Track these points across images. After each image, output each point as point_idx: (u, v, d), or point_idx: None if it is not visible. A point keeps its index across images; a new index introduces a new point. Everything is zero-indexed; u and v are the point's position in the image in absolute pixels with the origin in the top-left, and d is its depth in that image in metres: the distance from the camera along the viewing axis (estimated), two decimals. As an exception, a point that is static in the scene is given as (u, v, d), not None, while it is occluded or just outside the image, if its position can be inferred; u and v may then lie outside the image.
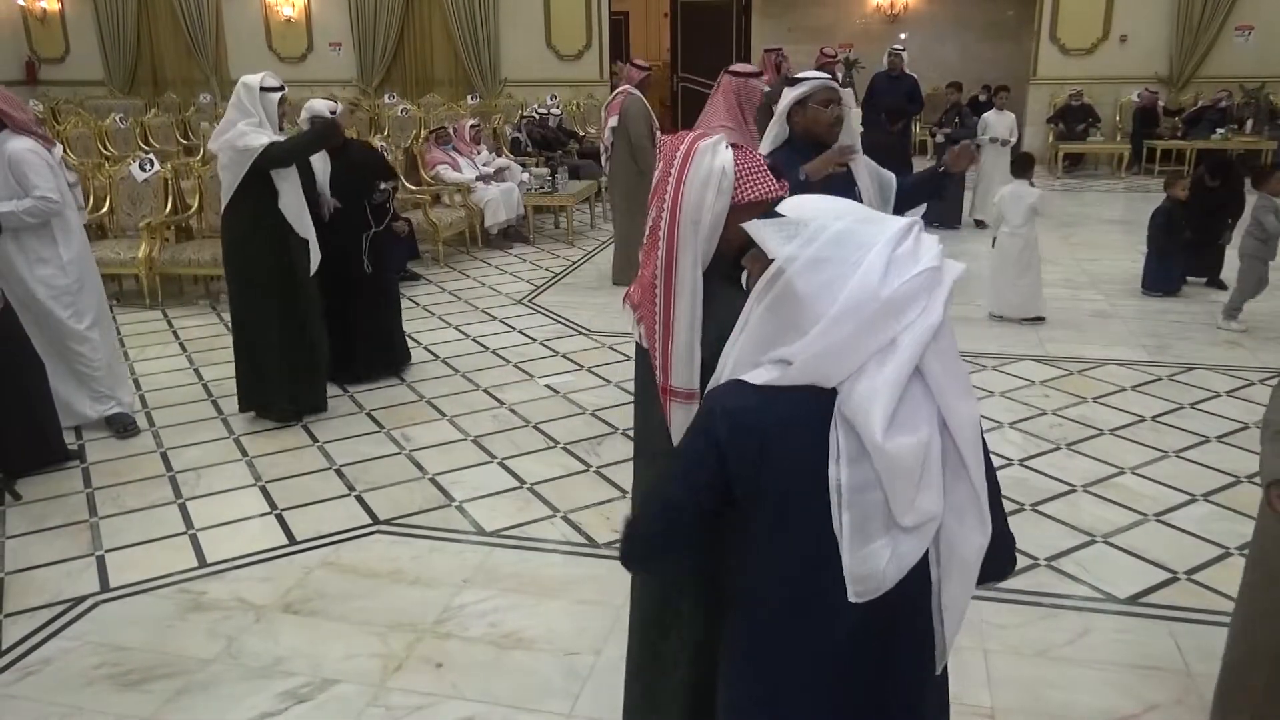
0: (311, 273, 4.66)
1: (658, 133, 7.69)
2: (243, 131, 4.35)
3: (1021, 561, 3.49)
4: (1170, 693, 2.81)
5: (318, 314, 4.85)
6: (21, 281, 4.40)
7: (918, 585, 1.36)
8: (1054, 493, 4.01)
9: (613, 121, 7.38)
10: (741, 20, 15.66)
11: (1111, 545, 3.61)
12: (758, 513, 1.38)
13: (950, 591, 1.36)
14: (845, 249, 1.28)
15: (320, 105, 5.12)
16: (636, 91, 7.45)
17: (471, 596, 3.33)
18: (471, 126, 9.25)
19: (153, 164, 7.35)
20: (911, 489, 1.27)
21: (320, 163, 5.00)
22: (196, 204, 7.38)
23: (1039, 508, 3.88)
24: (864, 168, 3.46)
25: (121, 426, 4.69)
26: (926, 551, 1.33)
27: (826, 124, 3.35)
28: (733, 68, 4.66)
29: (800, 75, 3.50)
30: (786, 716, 1.44)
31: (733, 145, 2.06)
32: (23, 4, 15.92)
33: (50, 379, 4.39)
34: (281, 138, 4.52)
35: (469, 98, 13.96)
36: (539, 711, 2.77)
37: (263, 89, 4.46)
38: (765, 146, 3.51)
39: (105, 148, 10.42)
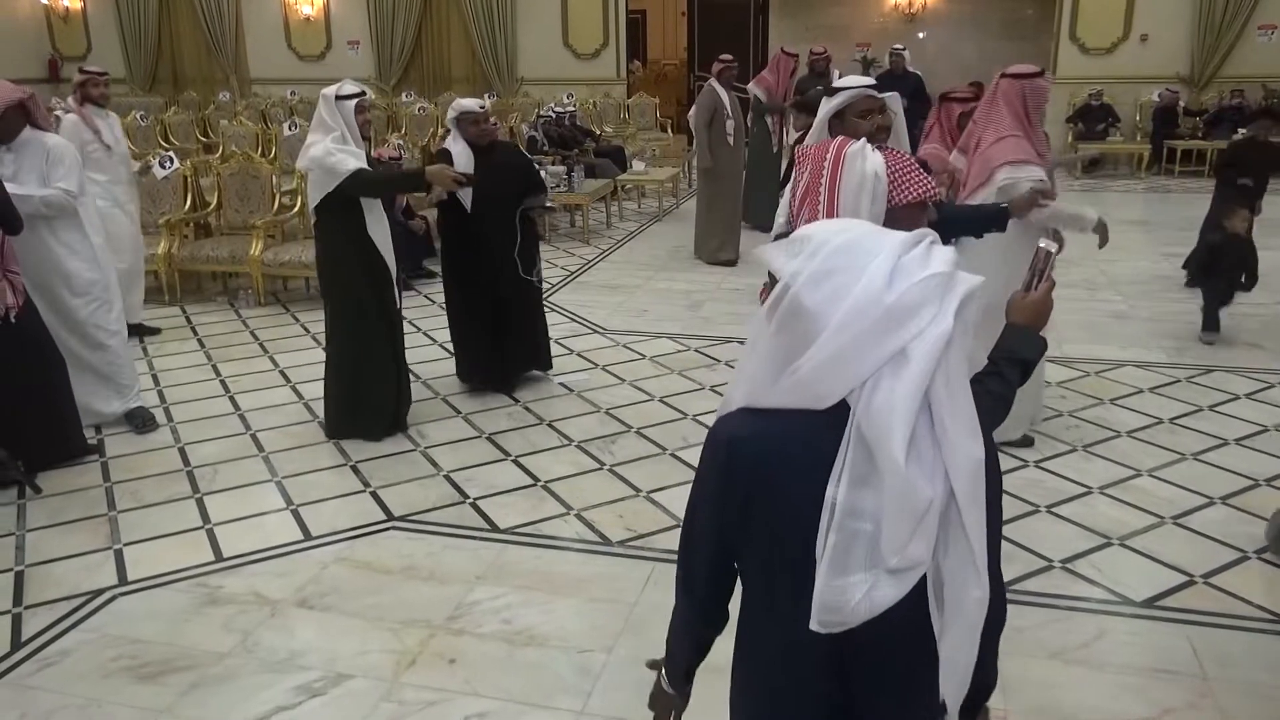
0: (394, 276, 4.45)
1: (729, 121, 7.80)
2: (330, 150, 4.20)
3: (1036, 563, 3.48)
4: (1185, 697, 2.79)
5: (401, 338, 4.72)
6: (57, 274, 4.47)
7: (902, 633, 1.32)
8: (1070, 494, 3.99)
9: (690, 114, 7.97)
10: (759, 19, 15.64)
11: (1127, 548, 3.58)
12: (754, 536, 1.37)
13: (951, 642, 1.30)
14: (850, 258, 1.24)
15: (468, 104, 4.92)
16: (715, 82, 7.86)
17: (484, 593, 3.35)
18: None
19: (172, 161, 7.40)
20: (910, 529, 1.22)
21: (464, 165, 4.76)
22: (215, 201, 7.44)
23: (1054, 509, 3.86)
24: None
25: (141, 421, 4.74)
26: (914, 603, 1.28)
27: (866, 136, 3.18)
28: (1011, 70, 4.17)
29: (837, 85, 3.31)
30: None
31: (879, 147, 2.06)
32: (46, 2, 16.06)
33: (71, 377, 4.43)
34: (361, 155, 4.28)
35: (485, 96, 14.00)
36: (551, 708, 2.78)
37: (338, 97, 4.27)
38: None
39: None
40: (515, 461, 4.38)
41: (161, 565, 3.54)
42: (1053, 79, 4.40)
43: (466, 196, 4.80)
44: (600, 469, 4.30)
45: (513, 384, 5.21)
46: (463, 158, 4.80)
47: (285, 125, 10.60)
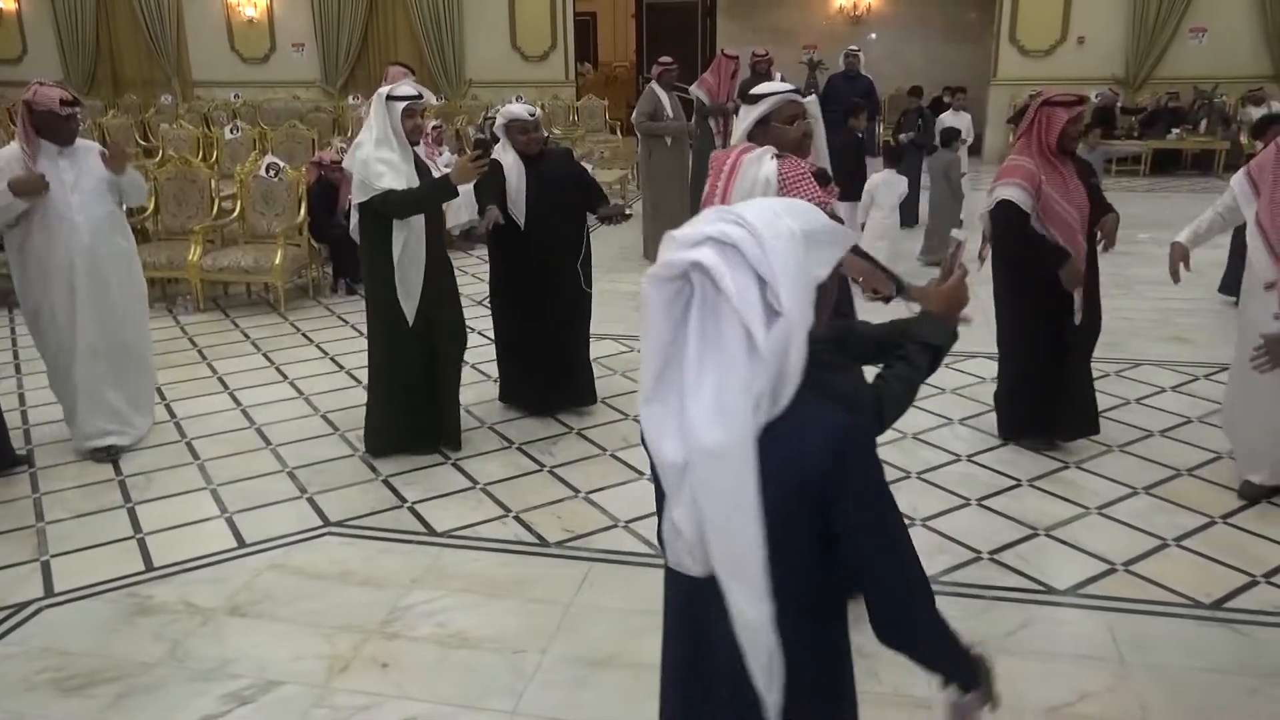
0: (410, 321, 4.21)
1: (668, 115, 7.92)
2: (373, 159, 3.99)
3: (964, 555, 3.56)
4: (1104, 681, 2.87)
5: (444, 353, 4.38)
6: (132, 264, 4.59)
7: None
8: (1000, 487, 4.08)
9: (633, 116, 8.24)
10: (706, 21, 15.76)
11: (1053, 538, 3.67)
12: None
13: (747, 653, 1.35)
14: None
15: (518, 110, 4.60)
16: (655, 84, 8.11)
17: (420, 597, 3.34)
18: (434, 128, 9.23)
19: (108, 166, 7.25)
20: (672, 485, 1.31)
21: (515, 177, 4.49)
22: (152, 206, 7.31)
23: (984, 502, 3.95)
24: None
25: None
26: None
27: (793, 141, 2.93)
28: None
29: (758, 91, 3.09)
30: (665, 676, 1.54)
31: (778, 155, 2.11)
32: (-22, 4, 15.70)
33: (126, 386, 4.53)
34: (401, 166, 4.05)
35: (437, 99, 13.90)
36: (483, 710, 2.79)
37: (388, 98, 4.03)
38: None
39: (62, 149, 10.26)
40: (455, 465, 4.37)
41: (90, 576, 3.49)
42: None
43: (520, 211, 4.51)
44: (540, 470, 4.31)
45: (557, 406, 4.89)
46: (514, 170, 4.51)
47: (227, 129, 10.46)
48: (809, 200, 1.98)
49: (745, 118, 3.06)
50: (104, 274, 4.33)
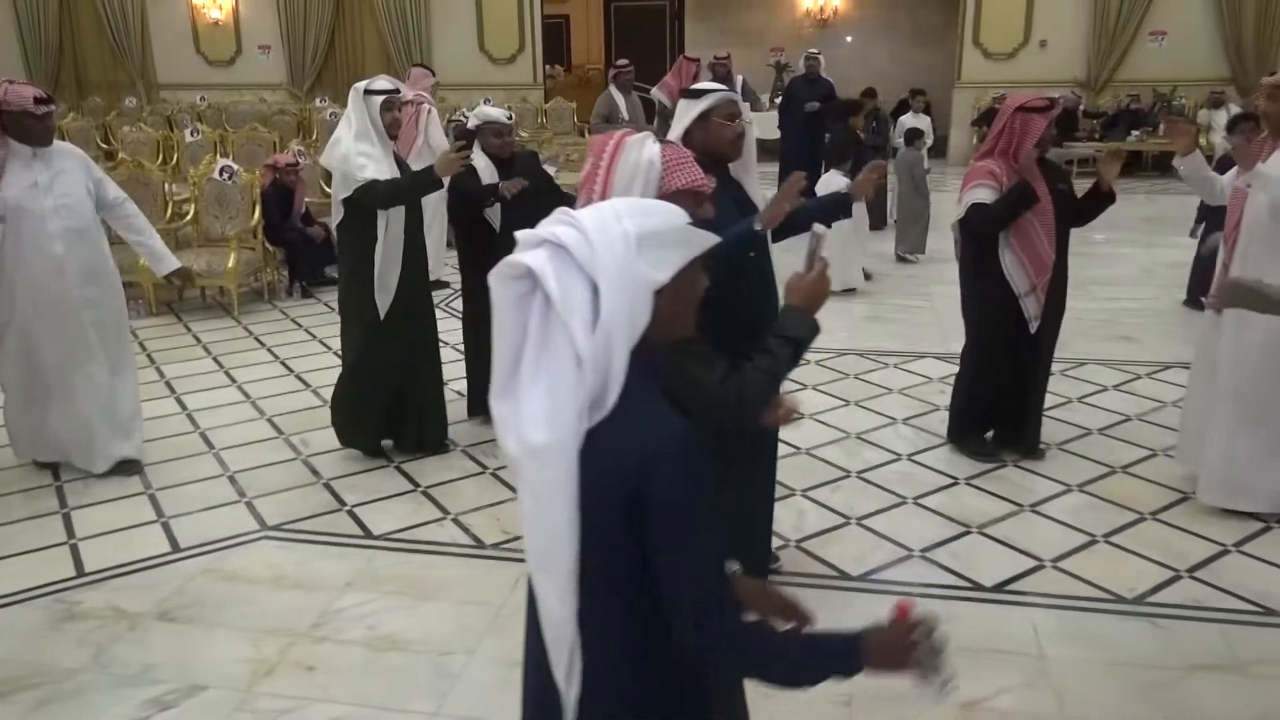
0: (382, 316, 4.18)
1: (623, 118, 8.03)
2: (352, 152, 3.98)
3: (896, 553, 3.59)
4: (1021, 676, 2.91)
5: (421, 357, 4.41)
6: (112, 279, 4.34)
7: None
8: (937, 486, 4.12)
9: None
10: (674, 24, 15.79)
11: (985, 535, 3.71)
12: None
13: (550, 648, 1.35)
14: None
15: (494, 112, 4.60)
16: (612, 87, 8.39)
17: (351, 600, 3.33)
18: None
19: (61, 169, 7.19)
20: (517, 474, 1.31)
21: (489, 180, 4.45)
22: (106, 210, 7.24)
23: (920, 500, 3.99)
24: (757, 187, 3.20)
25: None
26: None
27: (730, 140, 3.03)
28: None
29: (700, 87, 3.19)
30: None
31: (661, 140, 2.15)
32: (-61, 5, 15.50)
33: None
34: (383, 159, 4.05)
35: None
36: (405, 712, 2.79)
37: (366, 92, 4.04)
38: None
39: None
40: (398, 469, 4.36)
41: (19, 582, 3.46)
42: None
43: (495, 216, 4.47)
44: (482, 473, 4.31)
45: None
46: (487, 173, 4.49)
47: (187, 131, 10.40)
48: (689, 178, 2.01)
49: (687, 112, 3.09)
50: (79, 290, 4.08)
